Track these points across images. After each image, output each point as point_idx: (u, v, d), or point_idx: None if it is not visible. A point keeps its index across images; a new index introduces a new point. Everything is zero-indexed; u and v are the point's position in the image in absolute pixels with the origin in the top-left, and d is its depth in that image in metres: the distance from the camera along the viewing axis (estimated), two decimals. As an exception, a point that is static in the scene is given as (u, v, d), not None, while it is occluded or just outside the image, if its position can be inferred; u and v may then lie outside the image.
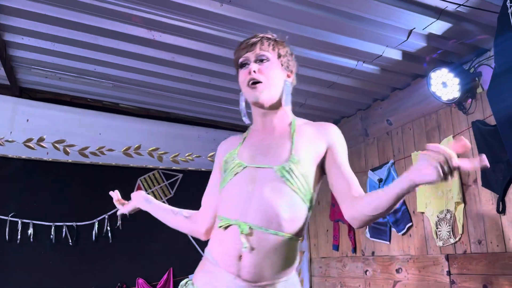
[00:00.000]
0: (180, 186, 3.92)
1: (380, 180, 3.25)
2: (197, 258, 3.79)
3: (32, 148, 3.38)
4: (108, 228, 3.58)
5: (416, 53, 2.73)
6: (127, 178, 3.75)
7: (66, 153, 3.50)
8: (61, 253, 3.40)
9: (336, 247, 3.78)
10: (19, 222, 3.28)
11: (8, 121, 3.27)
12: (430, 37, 2.55)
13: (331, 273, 3.83)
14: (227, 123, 4.12)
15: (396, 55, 2.76)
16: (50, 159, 3.44)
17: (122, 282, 3.54)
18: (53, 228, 3.40)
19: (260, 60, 1.38)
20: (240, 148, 1.41)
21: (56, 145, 3.46)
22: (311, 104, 3.51)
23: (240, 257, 1.26)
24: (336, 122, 3.91)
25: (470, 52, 2.69)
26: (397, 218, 3.09)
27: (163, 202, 3.78)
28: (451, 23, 2.42)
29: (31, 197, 3.41)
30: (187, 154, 3.90)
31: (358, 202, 1.27)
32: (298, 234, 1.32)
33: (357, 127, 3.64)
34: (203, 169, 3.95)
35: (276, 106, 1.40)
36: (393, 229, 3.15)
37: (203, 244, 4.01)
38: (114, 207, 3.64)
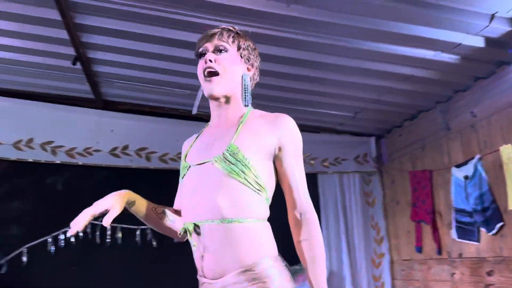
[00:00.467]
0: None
1: (466, 177, 3.02)
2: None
3: (118, 157, 3.61)
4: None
5: (500, 39, 2.52)
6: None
7: (148, 160, 3.69)
8: (146, 254, 3.59)
9: (419, 249, 3.58)
10: (109, 226, 3.51)
11: (95, 132, 3.52)
12: (515, 20, 2.34)
13: (415, 276, 3.64)
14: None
15: (478, 42, 2.57)
16: (134, 166, 3.65)
17: None
18: (138, 231, 3.60)
19: (218, 50, 1.34)
20: (191, 148, 1.39)
21: (139, 152, 3.67)
22: (385, 100, 3.38)
23: (201, 257, 1.25)
24: (413, 117, 3.72)
25: None
26: (486, 217, 2.86)
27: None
28: (541, 2, 2.20)
29: (117, 202, 3.64)
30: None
31: (293, 228, 1.31)
32: (252, 217, 1.23)
33: (437, 121, 3.43)
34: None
35: (232, 99, 1.35)
36: (482, 229, 2.92)
37: (278, 246, 4.01)
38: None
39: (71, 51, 2.72)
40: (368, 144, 4.22)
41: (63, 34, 2.51)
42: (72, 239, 3.42)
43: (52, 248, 3.38)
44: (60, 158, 3.43)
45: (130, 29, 2.52)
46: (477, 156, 2.98)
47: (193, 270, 3.87)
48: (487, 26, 2.39)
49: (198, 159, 1.31)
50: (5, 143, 3.21)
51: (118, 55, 2.85)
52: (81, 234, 3.42)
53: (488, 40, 2.55)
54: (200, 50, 1.37)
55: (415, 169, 3.68)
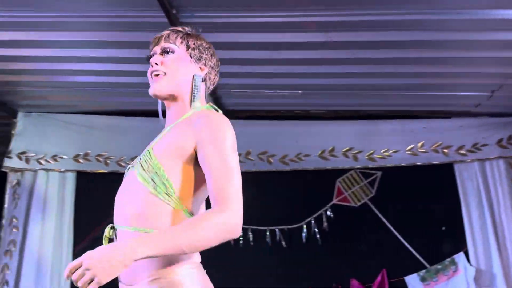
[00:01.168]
0: (381, 184, 3.78)
1: None
2: (411, 258, 3.62)
3: (242, 162, 3.76)
4: (316, 230, 3.70)
5: None
6: (325, 180, 3.82)
7: (269, 162, 3.79)
8: (277, 254, 3.68)
9: None
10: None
11: (220, 141, 3.74)
12: None
13: None
14: (423, 111, 3.79)
15: None
16: (256, 170, 3.78)
17: (337, 282, 3.60)
18: (267, 232, 3.71)
19: (165, 52, 1.31)
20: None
21: (260, 156, 3.78)
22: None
23: None
24: None
25: None
26: None
27: (365, 202, 3.76)
28: None
29: (245, 205, 3.79)
30: (383, 151, 3.73)
31: None
32: (158, 228, 1.14)
33: None
34: (403, 165, 3.72)
35: (178, 99, 1.31)
36: None
37: (417, 245, 3.77)
38: (318, 210, 3.79)
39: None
40: (512, 124, 3.69)
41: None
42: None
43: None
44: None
45: (239, 39, 2.61)
46: None
47: (324, 271, 3.83)
48: None
49: (134, 163, 1.29)
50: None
51: (231, 66, 2.97)
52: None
53: None
54: (151, 53, 1.36)
55: None
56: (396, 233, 3.66)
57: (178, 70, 1.31)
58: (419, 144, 3.70)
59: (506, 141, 3.68)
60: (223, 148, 1.19)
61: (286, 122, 3.85)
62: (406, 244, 3.63)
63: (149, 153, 1.22)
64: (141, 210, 1.18)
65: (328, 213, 3.73)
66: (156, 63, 1.31)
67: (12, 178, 3.69)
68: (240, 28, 2.50)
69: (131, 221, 1.19)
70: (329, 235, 3.70)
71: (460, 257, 3.57)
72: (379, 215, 3.70)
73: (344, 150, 3.77)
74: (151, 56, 1.35)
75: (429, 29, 2.52)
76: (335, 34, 2.56)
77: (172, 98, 1.32)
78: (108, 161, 3.69)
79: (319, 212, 3.74)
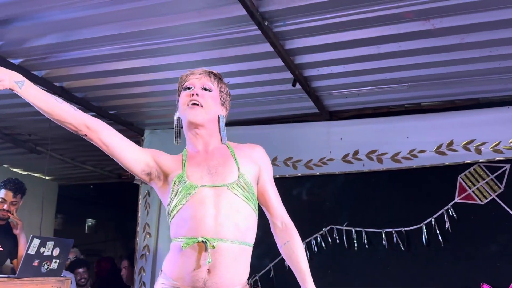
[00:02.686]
0: (510, 179, 3.37)
1: None
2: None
3: (350, 162, 3.71)
4: (437, 231, 3.45)
5: None
6: (445, 177, 3.54)
7: (380, 161, 3.65)
8: (395, 258, 3.51)
9: None
10: (353, 230, 3.62)
11: (326, 143, 3.72)
12: None
13: None
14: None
15: None
16: (367, 170, 3.67)
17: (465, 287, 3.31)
18: (383, 234, 3.57)
19: (204, 88, 1.51)
20: (187, 170, 1.47)
21: (370, 155, 3.67)
22: None
23: (207, 271, 1.35)
24: None
25: None
26: None
27: (493, 198, 3.40)
28: None
29: (358, 207, 3.72)
30: (510, 141, 3.33)
31: (277, 235, 1.56)
32: (252, 242, 1.47)
33: None
34: (536, 154, 3.28)
35: (208, 130, 1.52)
36: None
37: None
38: (439, 209, 3.54)
39: (288, 75, 3.00)
40: None
41: (278, 62, 2.79)
42: (323, 244, 3.69)
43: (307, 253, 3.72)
44: (300, 171, 3.78)
45: (332, 40, 2.60)
46: None
47: (449, 275, 3.56)
48: None
49: (207, 181, 1.45)
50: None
51: (329, 67, 2.96)
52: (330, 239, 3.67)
53: None
54: (186, 84, 1.53)
55: None
56: (534, 232, 3.23)
57: (212, 107, 1.53)
58: (553, 130, 3.23)
59: None
60: (272, 179, 1.61)
61: (395, 118, 3.68)
62: (549, 246, 3.18)
63: (243, 176, 1.48)
64: (249, 225, 1.46)
65: (451, 212, 3.45)
66: (197, 94, 1.50)
67: (143, 190, 4.16)
68: (333, 28, 2.48)
69: (240, 235, 1.41)
70: (453, 236, 3.42)
71: None
72: (510, 212, 3.31)
73: (464, 143, 3.46)
74: (187, 87, 1.54)
75: None
76: (438, 20, 2.39)
77: (202, 127, 1.52)
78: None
79: (440, 212, 3.48)
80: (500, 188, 3.40)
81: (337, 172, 3.72)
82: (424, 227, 3.50)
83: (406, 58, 2.81)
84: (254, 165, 1.53)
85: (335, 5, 2.27)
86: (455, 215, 3.43)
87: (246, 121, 3.89)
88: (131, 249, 4.42)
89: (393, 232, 3.55)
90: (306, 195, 3.86)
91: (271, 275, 3.72)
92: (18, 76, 1.31)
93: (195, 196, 1.42)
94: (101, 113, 3.69)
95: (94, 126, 1.42)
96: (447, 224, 3.43)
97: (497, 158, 3.39)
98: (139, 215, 4.09)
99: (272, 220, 1.57)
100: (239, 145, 1.60)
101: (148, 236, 3.99)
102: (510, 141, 3.34)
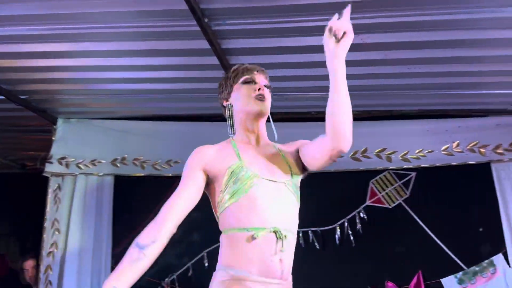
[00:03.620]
0: (416, 185, 3.73)
1: None
2: (447, 260, 3.55)
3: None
4: (350, 232, 3.68)
5: None
6: (358, 182, 3.80)
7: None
8: (312, 257, 3.67)
9: None
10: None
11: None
12: None
13: None
14: (458, 110, 3.71)
15: None
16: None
17: (372, 285, 3.57)
18: (300, 233, 3.71)
19: (266, 86, 1.59)
20: (244, 161, 1.48)
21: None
22: None
23: (280, 260, 1.40)
24: None
25: None
26: None
27: (400, 203, 3.72)
28: None
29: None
30: (417, 151, 3.68)
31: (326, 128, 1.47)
32: None
33: None
34: (438, 165, 3.65)
35: (264, 125, 1.60)
36: None
37: (452, 246, 3.68)
38: (352, 211, 3.77)
39: (222, 74, 2.97)
40: (554, 122, 3.57)
41: (214, 60, 2.77)
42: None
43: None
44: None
45: (269, 45, 2.65)
46: None
47: (358, 273, 3.74)
48: None
49: (266, 174, 1.48)
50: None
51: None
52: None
53: None
54: (248, 78, 1.58)
55: None
56: (432, 235, 3.59)
57: (269, 102, 1.60)
58: (455, 144, 3.63)
59: (545, 140, 3.56)
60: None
61: (317, 124, 3.84)
62: (442, 246, 3.56)
63: (295, 177, 1.54)
64: (297, 221, 1.54)
65: (362, 214, 3.71)
66: (264, 88, 1.58)
67: (53, 183, 3.85)
68: (272, 33, 2.53)
69: (295, 230, 1.51)
70: (363, 237, 3.68)
71: (499, 258, 3.48)
72: (414, 216, 3.65)
73: (377, 151, 3.74)
74: (249, 80, 1.58)
75: (463, 28, 2.48)
76: (366, 36, 2.55)
77: (263, 119, 1.60)
78: (144, 165, 3.80)
79: (352, 214, 3.73)
80: (406, 194, 3.73)
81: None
82: (337, 228, 3.71)
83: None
84: (297, 161, 1.59)
85: (276, 11, 2.31)
86: (366, 217, 3.70)
87: (175, 117, 3.79)
88: (36, 245, 4.07)
89: (309, 232, 3.72)
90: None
91: (189, 274, 3.67)
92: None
93: (258, 186, 1.44)
94: (11, 98, 3.35)
95: (173, 229, 1.45)
96: (358, 225, 3.68)
97: (405, 166, 3.72)
98: (47, 209, 3.77)
99: (322, 144, 1.50)
100: (281, 145, 1.66)
101: (57, 232, 3.71)
102: (417, 151, 3.69)
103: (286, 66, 2.94)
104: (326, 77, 3.10)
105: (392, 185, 3.76)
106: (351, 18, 2.32)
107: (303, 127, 3.79)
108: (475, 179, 3.65)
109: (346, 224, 3.71)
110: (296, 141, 1.65)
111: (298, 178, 1.56)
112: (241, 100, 1.56)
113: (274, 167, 1.51)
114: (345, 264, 3.64)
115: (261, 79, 1.60)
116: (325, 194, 3.78)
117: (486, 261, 3.50)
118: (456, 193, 3.67)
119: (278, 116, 3.71)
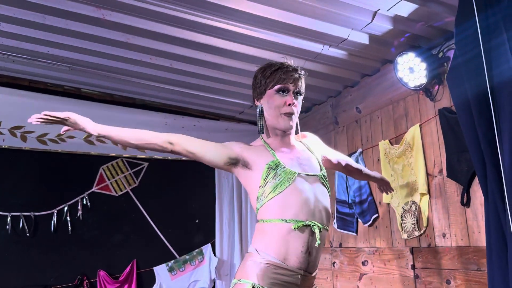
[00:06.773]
0: (146, 175, 3.79)
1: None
2: (163, 249, 3.72)
3: None
4: (68, 219, 3.44)
5: (383, 37, 2.59)
6: (88, 166, 3.61)
7: (24, 139, 3.34)
8: (18, 244, 3.27)
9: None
10: None
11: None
12: (396, 19, 2.41)
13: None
14: (196, 110, 3.98)
15: (363, 38, 2.61)
16: (6, 146, 3.29)
17: (82, 275, 3.41)
18: (9, 218, 3.25)
19: (298, 93, 1.64)
20: (280, 159, 1.60)
21: (13, 131, 3.30)
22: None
23: (309, 253, 1.52)
24: (307, 110, 3.77)
25: (439, 36, 2.55)
26: (363, 209, 2.98)
27: (127, 191, 3.71)
28: (418, 4, 2.28)
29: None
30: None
31: (350, 172, 2.12)
32: None
33: (327, 115, 3.51)
34: (169, 158, 3.82)
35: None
36: (360, 221, 3.04)
37: (170, 236, 3.87)
38: (75, 197, 3.54)
39: None
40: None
41: None
42: None
43: None
44: None
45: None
46: (359, 150, 3.08)
47: (71, 262, 3.53)
48: (370, 23, 2.43)
49: (301, 170, 1.60)
50: None
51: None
52: None
53: (372, 38, 2.61)
54: (281, 87, 1.61)
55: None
56: (153, 224, 3.72)
57: (298, 112, 1.66)
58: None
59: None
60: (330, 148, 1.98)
61: (52, 97, 3.47)
62: (161, 235, 3.73)
63: (324, 170, 1.72)
64: (330, 213, 1.66)
65: (85, 200, 3.52)
66: (294, 104, 1.62)
67: None
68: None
69: (327, 221, 1.62)
70: (83, 225, 3.50)
71: (207, 248, 3.87)
72: (139, 205, 3.70)
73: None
74: (282, 89, 1.61)
75: (206, 33, 2.60)
76: (108, 12, 2.42)
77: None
78: None
79: (75, 200, 3.50)
80: (135, 183, 3.75)
81: (-35, 143, 3.15)
82: (55, 213, 3.42)
83: (71, 38, 2.69)
84: (322, 156, 1.81)
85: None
86: (89, 203, 3.53)
87: None
88: None
89: (21, 216, 3.29)
90: None
91: None
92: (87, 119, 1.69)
93: (295, 182, 1.55)
94: None
95: (176, 140, 1.58)
96: (79, 212, 3.49)
97: (139, 156, 3.74)
98: None
99: (341, 165, 1.95)
100: (303, 139, 1.80)
101: None
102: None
103: (11, 21, 2.51)
104: (59, 46, 2.83)
105: (123, 173, 3.72)
106: None
107: (31, 97, 3.36)
108: (201, 174, 3.96)
109: (66, 209, 3.45)
110: (314, 136, 1.89)
111: (325, 170, 1.71)
112: (271, 112, 1.63)
113: (307, 163, 1.64)
114: (57, 252, 3.37)
115: (294, 87, 1.61)
116: (48, 177, 3.45)
117: (197, 250, 3.84)
118: (181, 186, 3.90)
119: (2, 80, 3.27)
